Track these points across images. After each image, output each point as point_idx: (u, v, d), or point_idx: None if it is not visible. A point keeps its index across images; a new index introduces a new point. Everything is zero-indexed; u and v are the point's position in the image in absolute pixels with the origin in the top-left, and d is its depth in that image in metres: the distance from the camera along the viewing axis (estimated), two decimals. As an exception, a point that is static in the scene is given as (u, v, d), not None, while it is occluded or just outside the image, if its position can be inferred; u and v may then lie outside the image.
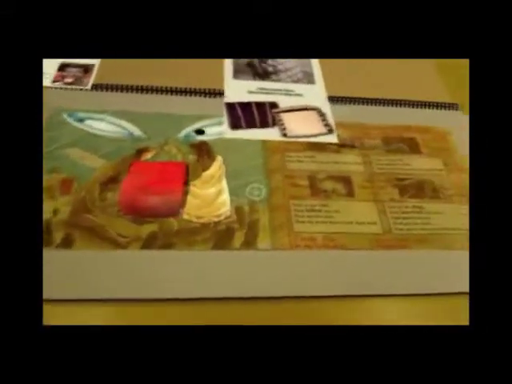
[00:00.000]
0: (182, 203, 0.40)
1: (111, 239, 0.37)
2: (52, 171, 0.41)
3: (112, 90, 0.51)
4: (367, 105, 0.54)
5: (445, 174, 0.46)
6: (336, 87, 0.55)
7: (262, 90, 0.54)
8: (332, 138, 0.49)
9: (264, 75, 0.56)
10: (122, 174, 0.42)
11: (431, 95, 0.55)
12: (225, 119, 0.49)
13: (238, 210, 0.40)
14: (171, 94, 0.52)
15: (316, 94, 0.54)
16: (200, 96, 0.52)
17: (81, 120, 0.47)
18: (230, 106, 0.51)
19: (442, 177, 0.46)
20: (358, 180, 0.45)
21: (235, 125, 0.49)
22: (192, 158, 0.44)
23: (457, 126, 0.52)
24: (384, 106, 0.54)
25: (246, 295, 0.35)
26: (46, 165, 0.42)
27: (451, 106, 0.55)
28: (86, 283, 0.35)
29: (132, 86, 0.51)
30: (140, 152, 0.44)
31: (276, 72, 0.57)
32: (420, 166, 0.47)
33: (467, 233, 0.41)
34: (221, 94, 0.52)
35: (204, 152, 0.45)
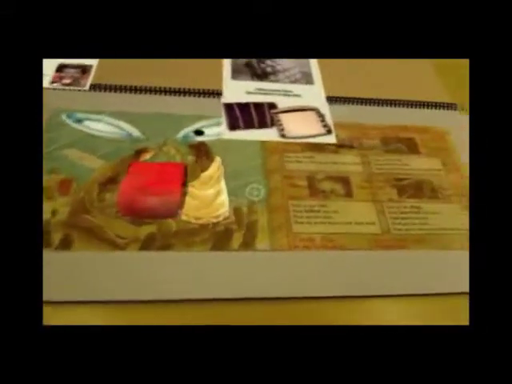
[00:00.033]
0: (181, 204, 0.40)
1: (110, 240, 0.37)
2: (51, 172, 0.41)
3: (110, 91, 0.51)
4: (366, 105, 0.54)
5: (443, 174, 0.46)
6: (334, 87, 0.55)
7: (261, 91, 0.54)
8: (330, 139, 0.49)
9: (262, 76, 0.56)
10: (120, 174, 0.42)
11: (430, 95, 0.55)
12: (223, 120, 0.49)
13: (236, 210, 0.40)
14: (169, 95, 0.52)
15: (314, 94, 0.54)
16: (198, 96, 0.52)
17: (79, 121, 0.47)
18: (229, 107, 0.51)
19: (440, 177, 0.46)
20: (356, 180, 0.45)
21: (233, 125, 0.49)
22: (190, 158, 0.44)
23: (455, 126, 0.52)
24: (382, 106, 0.54)
25: (244, 296, 0.35)
26: (45, 165, 0.42)
27: (450, 106, 0.55)
28: (85, 285, 0.34)
29: (130, 87, 0.51)
30: (138, 153, 0.44)
31: (274, 72, 0.57)
32: (418, 166, 0.47)
33: (466, 233, 0.41)
34: (219, 94, 0.52)
35: (202, 153, 0.45)
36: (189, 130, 0.47)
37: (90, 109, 0.48)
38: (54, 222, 0.38)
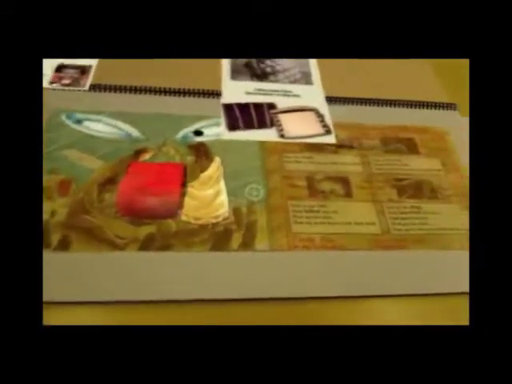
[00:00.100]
0: (180, 204, 0.40)
1: (109, 241, 0.37)
2: (50, 172, 0.41)
3: (109, 91, 0.51)
4: (365, 105, 0.54)
5: (443, 174, 0.46)
6: (334, 88, 0.55)
7: (260, 91, 0.54)
8: (330, 139, 0.48)
9: (262, 76, 0.56)
10: (119, 175, 0.42)
11: (429, 95, 0.55)
12: (222, 120, 0.49)
13: (235, 211, 0.40)
14: (169, 95, 0.52)
15: (314, 94, 0.54)
16: (198, 97, 0.52)
17: (78, 121, 0.47)
18: (228, 107, 0.51)
19: (440, 177, 0.46)
20: (356, 180, 0.45)
21: (233, 126, 0.49)
22: (190, 159, 0.44)
23: (455, 126, 0.52)
24: (382, 106, 0.54)
25: (244, 296, 0.35)
26: (45, 166, 0.41)
27: (449, 106, 0.55)
28: (84, 285, 0.34)
29: (129, 87, 0.51)
30: (138, 153, 0.44)
31: (274, 73, 0.57)
32: (418, 166, 0.47)
33: (465, 233, 0.41)
34: (218, 94, 0.52)
35: (202, 153, 0.45)
36: (188, 130, 0.47)
37: (89, 109, 0.48)
38: (52, 222, 0.38)
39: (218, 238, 0.38)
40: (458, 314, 0.35)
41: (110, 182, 0.41)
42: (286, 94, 0.54)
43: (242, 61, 0.58)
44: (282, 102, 0.52)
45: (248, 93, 0.53)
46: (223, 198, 0.41)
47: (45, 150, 0.43)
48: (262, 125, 0.49)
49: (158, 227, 0.38)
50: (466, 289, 0.36)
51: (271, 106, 0.52)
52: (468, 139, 0.50)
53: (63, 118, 0.47)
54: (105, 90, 0.51)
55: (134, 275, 0.35)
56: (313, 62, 0.59)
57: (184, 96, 0.52)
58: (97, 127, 0.46)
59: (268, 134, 0.48)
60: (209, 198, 0.41)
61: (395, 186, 0.45)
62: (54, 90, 0.50)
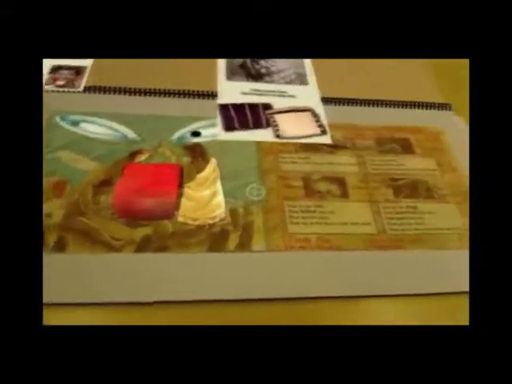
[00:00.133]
0: (177, 205, 0.40)
1: (105, 242, 0.37)
2: (45, 174, 0.41)
3: (104, 93, 0.51)
4: (360, 106, 0.54)
5: (438, 174, 0.47)
6: (329, 88, 0.55)
7: (256, 92, 0.54)
8: (326, 139, 0.49)
9: (257, 76, 0.56)
10: (115, 176, 0.42)
11: (424, 95, 0.56)
12: (218, 121, 0.49)
13: (232, 212, 0.40)
14: (164, 96, 0.51)
15: (309, 95, 0.54)
16: (193, 98, 0.52)
17: (73, 123, 0.46)
18: (224, 108, 0.51)
19: (435, 177, 0.46)
20: (352, 181, 0.45)
21: (229, 126, 0.48)
22: (186, 160, 0.44)
23: (450, 126, 0.52)
24: (377, 106, 0.54)
25: (240, 297, 0.35)
26: (39, 168, 0.41)
27: (444, 106, 0.55)
28: (80, 287, 0.34)
29: (124, 88, 0.51)
30: (133, 154, 0.44)
31: (269, 73, 0.57)
32: (414, 166, 0.47)
33: (461, 232, 0.41)
34: (214, 95, 0.52)
35: (198, 154, 0.45)
36: (184, 131, 0.47)
37: (84, 110, 0.48)
38: (48, 224, 0.37)
39: (214, 238, 0.38)
40: (456, 314, 0.35)
41: (105, 183, 0.41)
42: (282, 94, 0.54)
43: (238, 61, 0.58)
44: (277, 103, 0.52)
45: (244, 93, 0.53)
46: (220, 198, 0.41)
47: (39, 152, 0.43)
48: (257, 125, 0.49)
49: (155, 228, 0.38)
50: (464, 288, 0.36)
51: (267, 106, 0.52)
52: (463, 139, 0.50)
53: (57, 119, 0.46)
54: (100, 92, 0.51)
55: (131, 277, 0.35)
56: (308, 63, 0.59)
57: (179, 97, 0.51)
58: (92, 128, 0.46)
59: (264, 134, 0.48)
60: (205, 198, 0.41)
61: (391, 186, 0.45)
62: (48, 91, 0.50)
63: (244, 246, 0.38)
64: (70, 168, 0.42)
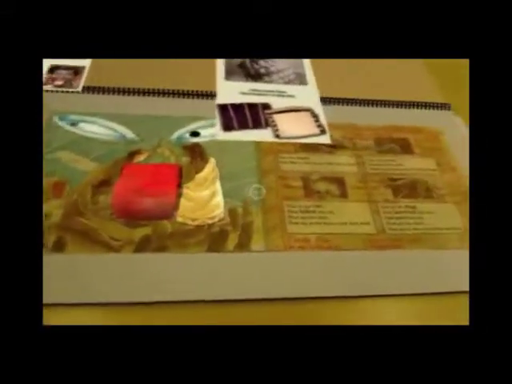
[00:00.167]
0: (176, 206, 0.40)
1: (104, 242, 0.37)
2: (44, 175, 0.41)
3: (103, 93, 0.51)
4: (359, 106, 0.54)
5: (438, 174, 0.47)
6: (328, 88, 0.55)
7: (255, 91, 0.54)
8: (325, 139, 0.49)
9: (256, 76, 0.56)
10: (113, 177, 0.42)
11: (423, 95, 0.56)
12: (217, 121, 0.49)
13: (231, 212, 0.40)
14: (163, 96, 0.51)
15: (308, 95, 0.54)
16: (192, 98, 0.52)
17: (72, 123, 0.46)
18: (223, 108, 0.51)
19: (434, 176, 0.46)
20: (351, 181, 0.45)
21: (227, 126, 0.48)
22: (185, 160, 0.44)
23: (449, 126, 0.52)
24: (376, 106, 0.54)
25: (240, 297, 0.35)
26: (38, 168, 0.41)
27: (443, 106, 0.55)
28: (79, 287, 0.34)
29: (123, 89, 0.51)
30: (132, 154, 0.44)
31: (268, 73, 0.57)
32: (413, 165, 0.47)
33: (460, 232, 0.41)
34: (213, 95, 0.52)
35: (197, 154, 0.45)
36: (183, 131, 0.47)
37: (82, 111, 0.48)
38: (47, 224, 0.37)
39: (213, 239, 0.38)
40: (456, 314, 0.35)
41: (104, 184, 0.41)
42: (281, 94, 0.54)
43: (236, 61, 0.58)
44: (276, 103, 0.52)
45: (243, 93, 0.53)
46: (219, 199, 0.41)
47: (38, 152, 0.43)
48: (256, 125, 0.49)
49: (154, 229, 0.38)
50: (463, 288, 0.36)
51: (266, 106, 0.52)
52: (462, 139, 0.50)
53: (56, 119, 0.46)
54: (98, 92, 0.51)
55: (130, 277, 0.35)
56: (307, 63, 0.59)
57: (178, 97, 0.51)
58: (91, 129, 0.46)
59: (263, 134, 0.48)
60: (204, 199, 0.41)
61: (390, 186, 0.45)
62: (46, 91, 0.50)
63: (243, 246, 0.38)
64: (69, 168, 0.42)
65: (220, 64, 0.57)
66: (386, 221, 0.42)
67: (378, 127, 0.51)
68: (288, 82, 0.56)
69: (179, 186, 0.42)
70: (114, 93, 0.51)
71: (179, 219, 0.39)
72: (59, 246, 0.36)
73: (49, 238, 0.37)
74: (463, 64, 0.56)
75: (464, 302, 0.34)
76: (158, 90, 0.51)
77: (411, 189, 0.45)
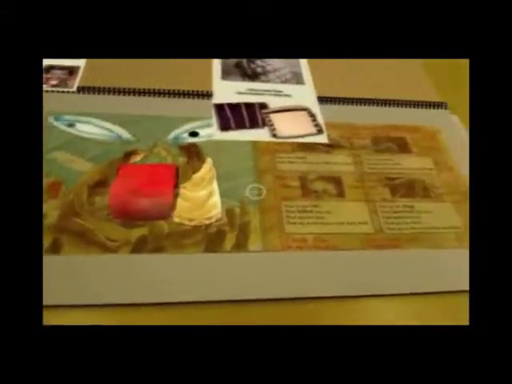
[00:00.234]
0: (173, 206, 0.40)
1: (100, 243, 0.37)
2: (39, 175, 0.41)
3: (98, 93, 0.50)
4: (356, 105, 0.54)
5: (435, 173, 0.47)
6: (325, 88, 0.55)
7: (251, 91, 0.53)
8: (322, 139, 0.48)
9: (253, 76, 0.56)
10: (110, 177, 0.41)
11: (420, 95, 0.56)
12: (214, 120, 0.49)
13: (228, 212, 0.40)
14: (159, 96, 0.51)
15: (305, 94, 0.54)
16: (188, 98, 0.51)
17: (67, 123, 0.46)
18: (219, 107, 0.50)
19: (432, 176, 0.46)
20: (348, 180, 0.45)
21: (224, 126, 0.48)
22: (182, 160, 0.44)
23: (446, 125, 0.52)
24: (373, 105, 0.54)
25: (237, 298, 0.35)
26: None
27: (440, 105, 0.55)
28: (75, 288, 0.34)
29: (118, 89, 0.51)
30: (128, 155, 0.44)
31: (265, 73, 0.57)
32: (410, 165, 0.47)
33: (458, 231, 0.41)
34: (209, 95, 0.52)
35: (194, 154, 0.45)
36: (179, 131, 0.47)
37: (78, 111, 0.47)
38: (43, 225, 0.37)
39: (210, 239, 0.38)
40: (454, 313, 0.35)
41: (100, 184, 0.41)
42: (278, 93, 0.53)
43: (233, 61, 0.58)
44: (273, 102, 0.52)
45: (239, 93, 0.53)
46: (216, 199, 0.41)
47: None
48: (253, 125, 0.49)
49: (150, 229, 0.38)
50: (461, 287, 0.36)
51: (263, 105, 0.51)
52: (459, 138, 0.50)
53: (51, 119, 0.46)
54: (93, 92, 0.50)
55: (127, 278, 0.35)
56: (303, 62, 0.59)
57: (175, 97, 0.51)
58: (86, 129, 0.46)
59: (260, 134, 0.48)
60: (201, 199, 0.41)
61: (388, 186, 0.45)
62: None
63: (240, 246, 0.38)
64: (65, 169, 0.42)
65: (216, 64, 0.57)
66: (383, 220, 0.41)
67: (375, 126, 0.51)
68: (285, 82, 0.56)
69: (176, 186, 0.41)
70: (109, 93, 0.51)
71: (176, 219, 0.39)
72: (55, 248, 0.36)
73: (45, 239, 0.36)
74: (460, 63, 0.56)
75: (462, 302, 0.34)
76: (154, 90, 0.51)
77: (409, 188, 0.45)
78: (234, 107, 0.51)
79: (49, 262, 0.35)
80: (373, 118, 0.52)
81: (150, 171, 0.42)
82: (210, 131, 0.47)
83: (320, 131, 0.49)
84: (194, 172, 0.43)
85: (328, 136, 0.49)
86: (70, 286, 0.34)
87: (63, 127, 0.46)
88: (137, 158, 0.44)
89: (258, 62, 0.58)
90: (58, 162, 0.42)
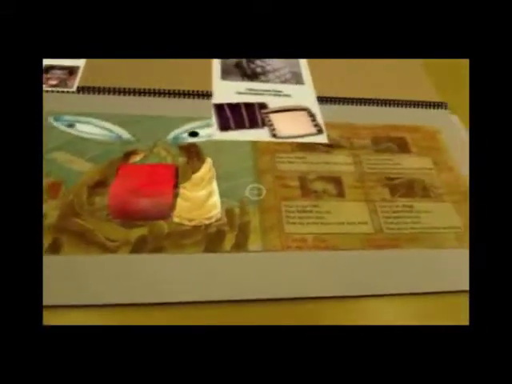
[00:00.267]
0: (173, 206, 0.40)
1: (99, 243, 0.37)
2: (39, 175, 0.41)
3: (98, 93, 0.50)
4: (356, 105, 0.54)
5: (435, 173, 0.47)
6: (325, 87, 0.55)
7: (251, 91, 0.53)
8: (322, 139, 0.48)
9: (252, 76, 0.56)
10: (109, 177, 0.41)
11: (420, 95, 0.56)
12: (214, 120, 0.49)
13: (228, 212, 0.40)
14: (158, 96, 0.51)
15: (305, 94, 0.54)
16: (188, 98, 0.51)
17: (67, 123, 0.46)
18: (219, 107, 0.50)
19: (431, 176, 0.46)
20: (348, 180, 0.45)
21: (224, 126, 0.48)
22: (182, 160, 0.44)
23: (446, 125, 0.52)
24: (373, 105, 0.54)
25: (237, 298, 0.35)
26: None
27: (440, 105, 0.55)
28: (75, 289, 0.34)
29: (118, 89, 0.51)
30: (128, 155, 0.44)
31: (264, 73, 0.57)
32: (410, 165, 0.47)
33: (458, 231, 0.41)
34: (209, 95, 0.52)
35: (193, 154, 0.45)
36: (179, 131, 0.47)
37: (77, 111, 0.47)
38: (43, 225, 0.37)
39: (210, 239, 0.38)
40: (453, 313, 0.35)
41: (100, 184, 0.41)
42: (277, 93, 0.53)
43: (232, 61, 0.58)
44: (273, 102, 0.52)
45: (239, 93, 0.53)
46: (216, 199, 0.41)
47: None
48: (253, 125, 0.49)
49: (150, 229, 0.38)
50: (460, 287, 0.36)
51: (262, 105, 0.51)
52: (459, 138, 0.50)
53: (51, 120, 0.46)
54: (93, 92, 0.50)
55: (127, 278, 0.35)
56: (303, 62, 0.59)
57: (174, 97, 0.51)
58: (86, 129, 0.46)
59: (260, 134, 0.48)
60: (201, 199, 0.41)
61: (387, 185, 0.45)
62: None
63: (240, 246, 0.38)
64: (64, 169, 0.42)
65: (216, 64, 0.57)
66: (383, 220, 0.41)
67: (374, 126, 0.51)
68: (284, 82, 0.56)
69: (176, 186, 0.41)
70: (109, 93, 0.50)
71: (176, 219, 0.39)
72: (55, 248, 0.36)
73: (45, 240, 0.36)
74: (460, 63, 0.56)
75: (461, 302, 0.34)
76: (154, 89, 0.51)
77: (408, 188, 0.45)
78: (234, 107, 0.51)
79: (48, 262, 0.35)
80: (373, 117, 0.52)
81: (150, 171, 0.42)
82: (210, 131, 0.47)
83: (320, 131, 0.49)
84: (194, 172, 0.43)
85: (328, 136, 0.49)
86: (70, 286, 0.34)
87: (63, 127, 0.46)
88: (136, 158, 0.44)
89: (258, 62, 0.58)
90: (57, 162, 0.42)
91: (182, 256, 0.37)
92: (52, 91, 0.50)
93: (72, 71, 0.52)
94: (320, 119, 0.51)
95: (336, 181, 0.44)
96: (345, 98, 0.54)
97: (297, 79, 0.56)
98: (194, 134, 0.47)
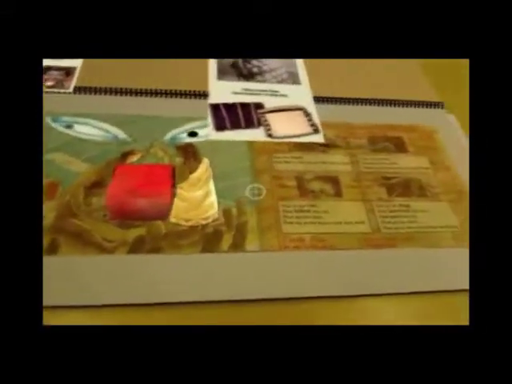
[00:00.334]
0: (171, 206, 0.40)
1: (97, 244, 0.37)
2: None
3: (95, 93, 0.50)
4: (353, 104, 0.54)
5: (431, 173, 0.47)
6: (321, 87, 0.55)
7: (247, 91, 0.53)
8: (318, 138, 0.48)
9: (249, 76, 0.56)
10: (106, 178, 0.41)
11: (416, 94, 0.56)
12: (209, 121, 0.49)
13: (225, 212, 0.40)
14: (155, 96, 0.51)
15: (301, 94, 0.54)
16: (185, 98, 0.51)
17: (65, 124, 0.46)
18: (215, 108, 0.50)
19: (428, 175, 0.46)
20: (345, 180, 0.45)
21: (220, 126, 0.48)
22: (178, 160, 0.44)
23: (443, 125, 0.52)
24: (370, 105, 0.54)
25: (234, 298, 0.35)
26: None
27: (437, 105, 0.55)
28: (73, 289, 0.34)
29: (115, 89, 0.51)
30: (125, 155, 0.44)
31: (261, 73, 0.57)
32: (407, 164, 0.47)
33: (454, 230, 0.41)
34: (205, 95, 0.52)
35: (190, 154, 0.45)
36: (176, 131, 0.47)
37: (74, 112, 0.47)
38: (39, 226, 0.37)
39: (207, 239, 0.38)
40: (452, 312, 0.35)
41: (96, 185, 0.41)
42: (274, 93, 0.53)
43: (229, 61, 0.58)
44: (269, 102, 0.52)
45: (235, 93, 0.53)
46: (213, 199, 0.41)
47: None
48: (249, 125, 0.49)
49: (148, 230, 0.38)
50: (457, 286, 0.36)
51: (259, 105, 0.51)
52: (456, 137, 0.51)
53: (48, 120, 0.46)
54: (90, 92, 0.50)
55: (124, 278, 0.35)
56: (299, 62, 0.59)
57: (171, 97, 0.51)
58: (83, 130, 0.46)
59: (256, 134, 0.48)
60: (198, 199, 0.41)
61: (384, 185, 0.45)
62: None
63: (238, 246, 0.38)
64: (62, 170, 0.42)
65: (212, 64, 0.57)
66: (380, 220, 0.42)
67: (371, 126, 0.51)
68: (281, 82, 0.56)
69: (173, 186, 0.41)
70: (105, 93, 0.50)
71: (173, 220, 0.39)
72: (52, 248, 0.36)
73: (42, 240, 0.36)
74: (457, 63, 0.56)
75: (459, 301, 0.34)
76: (151, 90, 0.51)
77: (405, 187, 0.45)
78: (230, 107, 0.51)
79: (46, 262, 0.35)
80: (369, 117, 0.52)
81: (147, 171, 0.42)
82: (206, 131, 0.47)
83: (316, 131, 0.49)
84: (191, 172, 0.43)
85: (324, 136, 0.49)
86: (68, 287, 0.34)
87: (61, 128, 0.45)
88: (133, 159, 0.43)
89: (254, 61, 0.58)
90: (55, 163, 0.42)
91: (180, 256, 0.37)
92: (49, 92, 0.49)
93: (69, 72, 0.52)
94: (316, 119, 0.51)
95: (333, 180, 0.44)
96: (342, 98, 0.54)
97: (293, 79, 0.56)
98: (193, 134, 0.47)
